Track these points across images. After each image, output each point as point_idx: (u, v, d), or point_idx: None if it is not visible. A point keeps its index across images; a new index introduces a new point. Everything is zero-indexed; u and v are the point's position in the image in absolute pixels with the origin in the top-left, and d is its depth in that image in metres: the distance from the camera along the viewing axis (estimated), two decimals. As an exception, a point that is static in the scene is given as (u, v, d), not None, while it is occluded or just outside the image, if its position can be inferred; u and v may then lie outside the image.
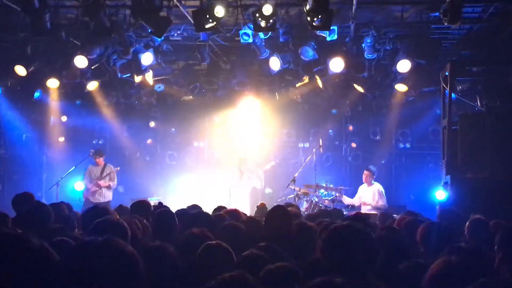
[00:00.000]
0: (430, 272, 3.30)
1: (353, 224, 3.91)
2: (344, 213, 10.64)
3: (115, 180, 14.15)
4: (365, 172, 13.43)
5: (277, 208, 6.02)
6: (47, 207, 6.21)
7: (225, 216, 6.82)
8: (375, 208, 12.71)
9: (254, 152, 15.96)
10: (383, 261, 3.73)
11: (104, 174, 13.96)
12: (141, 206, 7.31)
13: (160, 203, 7.50)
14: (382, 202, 12.98)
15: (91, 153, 14.06)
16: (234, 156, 15.38)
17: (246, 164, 14.84)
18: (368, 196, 13.11)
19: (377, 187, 13.20)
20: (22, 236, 2.60)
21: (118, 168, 14.27)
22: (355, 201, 13.29)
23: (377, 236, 4.60)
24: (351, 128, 16.23)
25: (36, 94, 14.50)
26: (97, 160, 14.10)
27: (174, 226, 5.82)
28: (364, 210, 12.58)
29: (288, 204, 8.88)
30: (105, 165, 14.15)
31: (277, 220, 5.51)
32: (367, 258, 3.64)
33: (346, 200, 13.33)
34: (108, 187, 13.99)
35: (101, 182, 13.86)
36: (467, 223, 5.95)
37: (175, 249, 4.19)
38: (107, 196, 13.98)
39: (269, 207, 10.61)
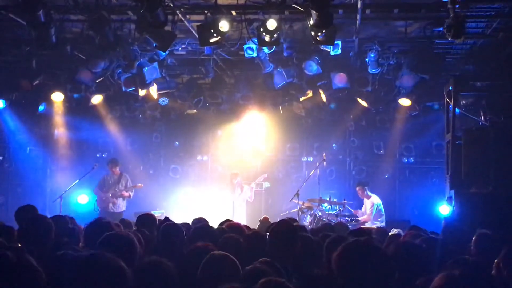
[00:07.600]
0: (433, 286, 3.28)
1: (370, 239, 3.83)
2: (349, 227, 10.60)
3: (133, 190, 14.49)
4: (356, 188, 13.58)
5: (283, 223, 5.94)
6: (47, 220, 5.99)
7: (227, 230, 6.79)
8: (372, 222, 12.79)
9: (257, 166, 15.96)
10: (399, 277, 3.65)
11: (122, 183, 14.26)
12: (147, 219, 7.29)
13: (166, 217, 7.47)
14: (366, 217, 13.04)
15: (95, 166, 14.11)
16: (237, 170, 15.35)
17: (237, 179, 14.85)
18: (367, 209, 13.24)
19: (372, 200, 13.23)
20: None
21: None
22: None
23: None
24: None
25: (41, 108, 14.57)
26: (113, 170, 14.33)
27: (181, 240, 5.76)
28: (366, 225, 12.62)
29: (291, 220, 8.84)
30: (121, 175, 14.38)
31: (282, 235, 5.42)
32: (385, 274, 3.57)
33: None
34: (128, 197, 14.30)
35: (124, 193, 14.18)
36: (474, 238, 5.89)
37: (180, 263, 4.14)
38: (121, 206, 14.25)
39: (271, 219, 10.64)
